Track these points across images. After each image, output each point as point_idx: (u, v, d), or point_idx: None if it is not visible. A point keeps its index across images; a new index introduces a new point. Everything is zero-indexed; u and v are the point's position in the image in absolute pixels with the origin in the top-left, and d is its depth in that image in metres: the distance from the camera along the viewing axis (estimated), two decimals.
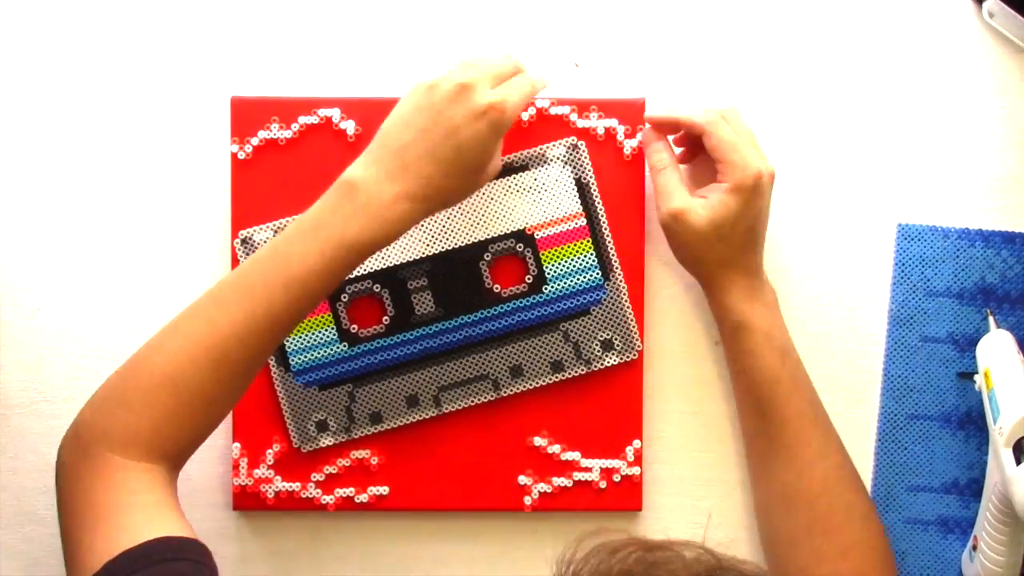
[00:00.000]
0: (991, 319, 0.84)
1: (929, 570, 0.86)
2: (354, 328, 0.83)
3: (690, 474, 0.86)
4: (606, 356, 0.84)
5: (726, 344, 0.82)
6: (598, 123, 0.84)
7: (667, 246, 0.85)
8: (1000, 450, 0.78)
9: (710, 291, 0.82)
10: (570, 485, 0.84)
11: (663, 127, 0.83)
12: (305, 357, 0.83)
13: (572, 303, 0.84)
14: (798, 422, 0.80)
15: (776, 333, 0.81)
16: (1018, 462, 0.76)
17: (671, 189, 0.80)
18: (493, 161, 0.76)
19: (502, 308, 0.83)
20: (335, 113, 0.84)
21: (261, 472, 0.84)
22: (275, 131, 0.84)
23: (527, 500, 0.84)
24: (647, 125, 0.83)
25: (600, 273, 0.83)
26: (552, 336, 0.84)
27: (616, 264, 0.84)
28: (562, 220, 0.84)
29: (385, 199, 0.72)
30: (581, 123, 0.84)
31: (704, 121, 0.79)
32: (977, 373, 0.82)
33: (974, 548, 0.82)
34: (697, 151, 0.83)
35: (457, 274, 0.83)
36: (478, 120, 0.72)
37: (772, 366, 0.80)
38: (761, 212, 0.80)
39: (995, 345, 0.82)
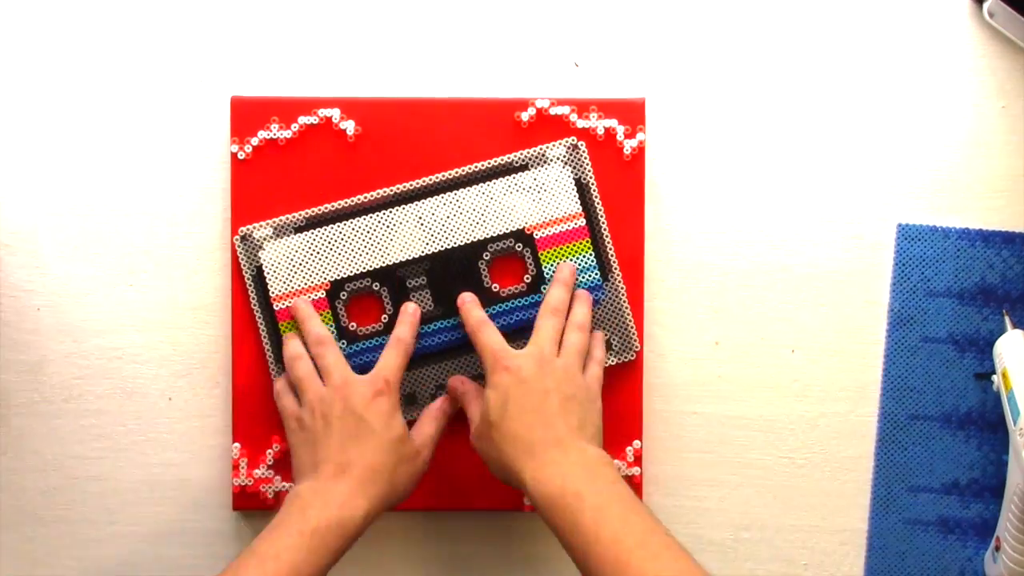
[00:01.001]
0: (1007, 319, 0.84)
1: (929, 570, 0.86)
2: (353, 326, 0.83)
3: (690, 474, 0.86)
4: (605, 356, 0.84)
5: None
6: (598, 123, 0.84)
7: (667, 246, 0.85)
8: (1021, 452, 0.78)
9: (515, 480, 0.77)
10: None
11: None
12: None
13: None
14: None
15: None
16: None
17: (473, 416, 0.82)
18: (413, 440, 0.80)
19: (501, 307, 0.83)
20: (335, 113, 0.84)
21: (261, 472, 0.84)
22: (275, 131, 0.84)
23: (527, 500, 0.84)
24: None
25: (599, 273, 0.83)
26: None
27: (615, 264, 0.84)
28: (561, 220, 0.84)
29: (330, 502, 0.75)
30: (581, 123, 0.84)
31: (472, 328, 0.82)
32: (994, 374, 0.82)
33: (996, 549, 0.82)
34: None
35: (456, 273, 0.83)
36: (375, 400, 0.78)
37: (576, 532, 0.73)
38: (513, 411, 0.76)
39: (1013, 345, 0.82)
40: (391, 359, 0.79)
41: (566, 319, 0.81)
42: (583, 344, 0.80)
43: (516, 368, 0.77)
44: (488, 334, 0.79)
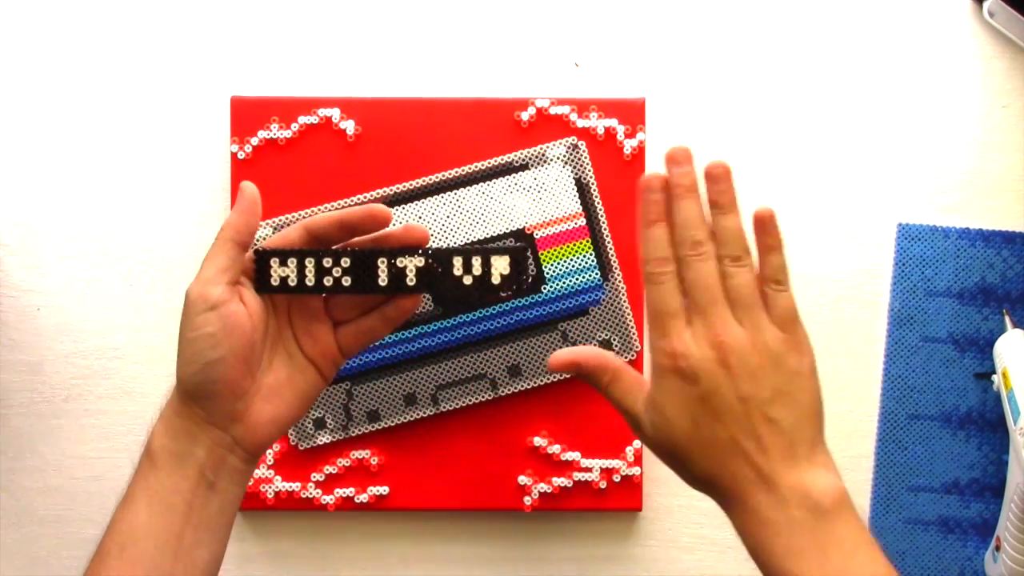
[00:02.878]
0: (1007, 319, 0.84)
1: (929, 570, 0.86)
2: None
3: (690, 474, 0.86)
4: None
5: None
6: (598, 123, 0.84)
7: None
8: (1021, 451, 0.78)
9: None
10: (570, 485, 0.84)
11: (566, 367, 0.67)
12: None
13: (571, 303, 0.83)
14: None
15: None
16: None
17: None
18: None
19: (501, 307, 0.83)
20: (335, 113, 0.84)
21: (261, 472, 0.84)
22: (275, 131, 0.84)
23: (527, 500, 0.84)
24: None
25: (599, 273, 0.83)
26: (550, 336, 0.83)
27: (615, 264, 0.84)
28: (562, 220, 0.84)
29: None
30: (581, 123, 0.84)
31: (606, 375, 0.66)
32: (995, 373, 0.82)
33: (997, 548, 0.82)
34: None
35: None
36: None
37: None
38: (715, 394, 0.58)
39: (1013, 345, 0.82)
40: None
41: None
42: (751, 274, 0.61)
43: (692, 375, 0.58)
44: (656, 290, 0.60)
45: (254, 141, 0.84)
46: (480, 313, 0.83)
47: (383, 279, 0.65)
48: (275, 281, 0.65)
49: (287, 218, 0.83)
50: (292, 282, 0.65)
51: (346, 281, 0.64)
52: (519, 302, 0.83)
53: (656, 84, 0.86)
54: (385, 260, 0.64)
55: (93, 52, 0.86)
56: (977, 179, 0.86)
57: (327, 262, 0.64)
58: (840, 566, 0.55)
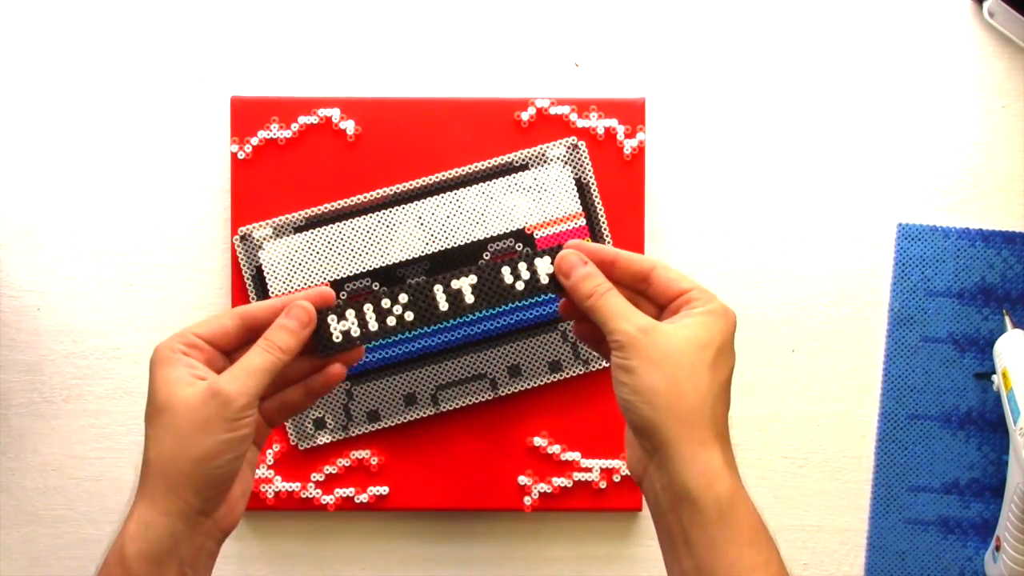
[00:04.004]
0: (1007, 319, 0.84)
1: (929, 570, 0.86)
2: None
3: None
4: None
5: (681, 526, 0.59)
6: (598, 123, 0.84)
7: (667, 247, 0.85)
8: (1021, 452, 0.78)
9: (675, 452, 0.59)
10: (570, 485, 0.84)
11: (596, 262, 0.64)
12: None
13: None
14: None
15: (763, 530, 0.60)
16: None
17: (627, 309, 0.61)
18: (195, 385, 0.60)
19: (500, 308, 0.83)
20: (335, 113, 0.84)
21: (261, 472, 0.84)
22: (275, 131, 0.84)
23: (527, 500, 0.84)
24: (568, 250, 0.65)
25: None
26: (550, 336, 0.83)
27: None
28: (562, 220, 0.84)
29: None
30: (581, 123, 0.84)
31: (652, 261, 0.64)
32: (995, 373, 0.82)
33: (997, 548, 0.82)
34: None
35: None
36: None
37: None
38: (731, 369, 0.61)
39: (1013, 345, 0.82)
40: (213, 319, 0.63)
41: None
42: None
43: (726, 312, 0.61)
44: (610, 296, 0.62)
45: (254, 141, 0.84)
46: (480, 313, 0.83)
47: (443, 304, 0.65)
48: (337, 338, 0.64)
49: (287, 218, 0.83)
50: (355, 333, 0.64)
51: (409, 316, 0.65)
52: (519, 302, 0.83)
53: (656, 84, 0.86)
54: (441, 286, 0.65)
55: (93, 52, 0.86)
56: (977, 179, 0.86)
57: (385, 303, 0.65)
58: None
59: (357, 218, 0.83)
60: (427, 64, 0.86)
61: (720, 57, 0.86)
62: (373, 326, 0.64)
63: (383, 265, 0.83)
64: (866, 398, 0.86)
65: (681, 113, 0.86)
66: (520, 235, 0.83)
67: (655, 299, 0.63)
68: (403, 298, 0.64)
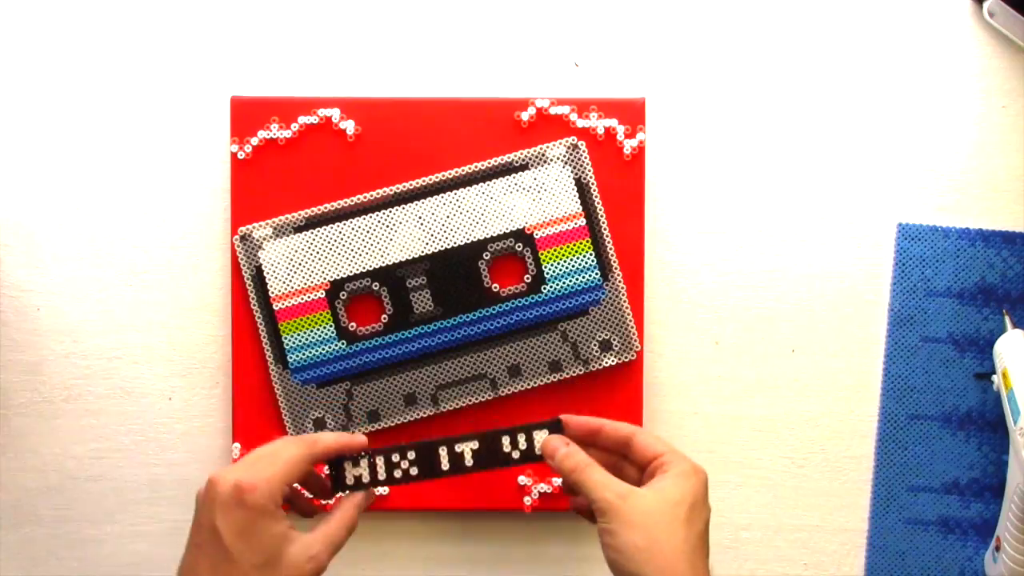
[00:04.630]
0: (1007, 319, 0.84)
1: (929, 570, 0.86)
2: (352, 326, 0.83)
3: None
4: (604, 356, 0.84)
5: None
6: (598, 123, 0.84)
7: (667, 246, 0.85)
8: (1021, 452, 0.78)
9: None
10: None
11: (582, 436, 0.72)
12: (303, 355, 0.83)
13: (571, 303, 0.83)
14: None
15: None
16: None
17: (606, 479, 0.68)
18: (297, 542, 0.67)
19: (500, 307, 0.83)
20: (335, 113, 0.84)
21: None
22: (275, 131, 0.84)
23: (527, 500, 0.84)
24: (552, 436, 0.72)
25: (599, 273, 0.83)
26: (550, 336, 0.83)
27: (615, 264, 0.84)
28: (561, 220, 0.84)
29: None
30: (581, 123, 0.84)
31: (631, 428, 0.72)
32: (995, 374, 0.82)
33: (997, 549, 0.82)
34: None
35: (456, 273, 0.83)
36: (232, 511, 0.65)
37: None
38: (707, 521, 0.68)
39: (1013, 345, 0.82)
40: (275, 457, 0.68)
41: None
42: None
43: (698, 471, 0.68)
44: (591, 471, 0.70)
45: (254, 141, 0.84)
46: (480, 313, 0.83)
47: (444, 464, 0.73)
48: (350, 480, 0.73)
49: (287, 218, 0.83)
50: (365, 479, 0.73)
51: (413, 471, 0.73)
52: (519, 302, 0.83)
53: (656, 84, 0.86)
54: (446, 448, 0.73)
55: (92, 52, 0.86)
56: (977, 179, 0.86)
57: (395, 457, 0.73)
58: None
59: (357, 218, 0.83)
60: (427, 64, 0.86)
61: (720, 57, 0.86)
62: (381, 476, 0.73)
63: (383, 265, 0.83)
64: (866, 398, 0.86)
65: (681, 113, 0.86)
66: (520, 235, 0.83)
67: (636, 462, 0.71)
68: (411, 455, 0.73)
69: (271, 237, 0.83)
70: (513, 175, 0.84)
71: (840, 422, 0.86)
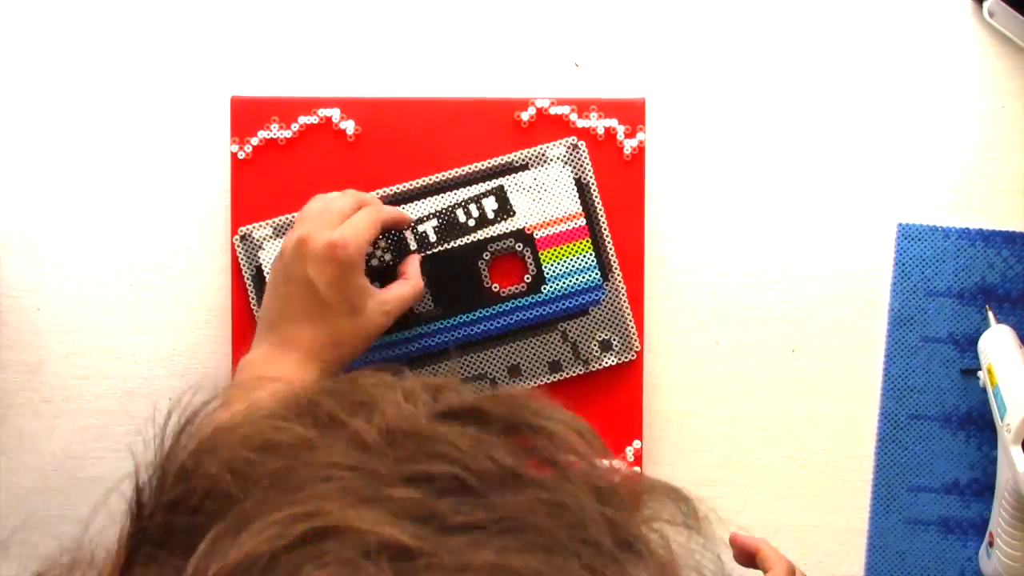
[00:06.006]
0: (990, 315, 0.84)
1: (929, 570, 0.86)
2: None
3: (690, 474, 0.86)
4: (604, 356, 0.84)
5: None
6: (598, 123, 0.84)
7: (667, 246, 0.85)
8: (1009, 447, 0.78)
9: None
10: None
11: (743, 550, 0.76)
12: None
13: (571, 303, 0.83)
14: None
15: None
16: None
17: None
18: (375, 296, 0.76)
19: (501, 307, 0.83)
20: (335, 113, 0.84)
21: None
22: (275, 131, 0.84)
23: None
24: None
25: (599, 273, 0.83)
26: (550, 336, 0.83)
27: (615, 264, 0.84)
28: (561, 220, 0.84)
29: (281, 375, 0.71)
30: (581, 123, 0.84)
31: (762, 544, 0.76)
32: (980, 370, 0.82)
33: (990, 545, 0.82)
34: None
35: (456, 273, 0.83)
36: (325, 265, 0.73)
37: None
38: None
39: (996, 341, 0.82)
40: (358, 221, 0.76)
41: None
42: None
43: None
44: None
45: (254, 141, 0.84)
46: (480, 313, 0.83)
47: (462, 217, 0.82)
48: (413, 246, 0.82)
49: (287, 218, 0.83)
50: (427, 241, 0.82)
51: (432, 238, 0.82)
52: (519, 302, 0.83)
53: (656, 84, 0.86)
54: (461, 209, 0.82)
55: (92, 52, 0.86)
56: (977, 179, 0.86)
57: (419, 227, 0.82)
58: None
59: None
60: (427, 64, 0.86)
61: (720, 57, 0.86)
62: (432, 238, 0.82)
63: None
64: (866, 398, 0.86)
65: (681, 113, 0.86)
66: (520, 235, 0.83)
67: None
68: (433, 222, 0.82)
69: (271, 237, 0.83)
70: (513, 175, 0.84)
71: (840, 422, 0.86)
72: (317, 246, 0.73)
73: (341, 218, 0.75)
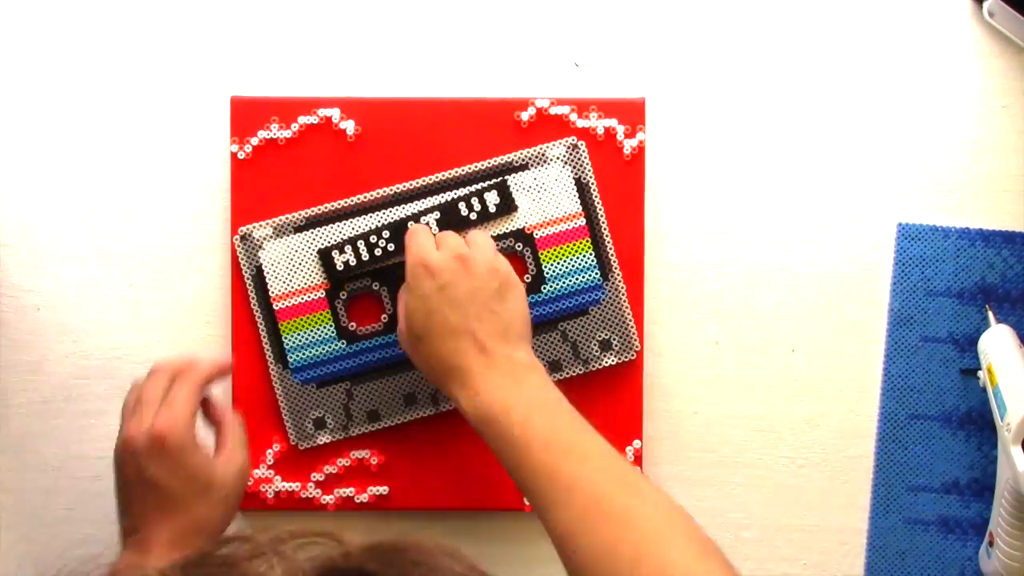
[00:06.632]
0: (990, 314, 0.84)
1: (929, 570, 0.86)
2: (352, 326, 0.83)
3: (690, 474, 0.86)
4: (604, 356, 0.84)
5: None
6: (598, 123, 0.84)
7: (667, 246, 0.85)
8: (1009, 447, 0.78)
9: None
10: None
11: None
12: (303, 354, 0.83)
13: (571, 303, 0.83)
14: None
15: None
16: None
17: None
18: (217, 466, 0.74)
19: None
20: (335, 113, 0.84)
21: (261, 472, 0.84)
22: (275, 131, 0.84)
23: (527, 500, 0.84)
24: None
25: (599, 273, 0.83)
26: (550, 336, 0.83)
27: (615, 264, 0.84)
28: (561, 220, 0.84)
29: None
30: (581, 123, 0.84)
31: None
32: (980, 369, 0.82)
33: (990, 545, 0.82)
34: None
35: None
36: (158, 459, 0.71)
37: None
38: None
39: (996, 340, 0.82)
40: (174, 400, 0.74)
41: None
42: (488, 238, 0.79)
43: (438, 270, 0.74)
44: (417, 237, 0.77)
45: (254, 141, 0.84)
46: None
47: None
48: (340, 267, 0.82)
49: (287, 218, 0.83)
50: (352, 263, 0.82)
51: (390, 247, 0.81)
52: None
53: (656, 84, 0.86)
54: (413, 222, 0.82)
55: (92, 52, 0.86)
56: (977, 179, 0.86)
57: (372, 239, 0.81)
58: (526, 392, 0.72)
59: (357, 218, 0.83)
60: (427, 64, 0.86)
61: (720, 57, 0.86)
62: (365, 257, 0.82)
63: (383, 265, 0.83)
64: (866, 398, 0.86)
65: (681, 113, 0.86)
66: (520, 235, 0.83)
67: None
68: (385, 234, 0.81)
69: (271, 237, 0.83)
70: (513, 175, 0.84)
71: (840, 422, 0.86)
72: (142, 444, 0.71)
73: (157, 403, 0.73)
